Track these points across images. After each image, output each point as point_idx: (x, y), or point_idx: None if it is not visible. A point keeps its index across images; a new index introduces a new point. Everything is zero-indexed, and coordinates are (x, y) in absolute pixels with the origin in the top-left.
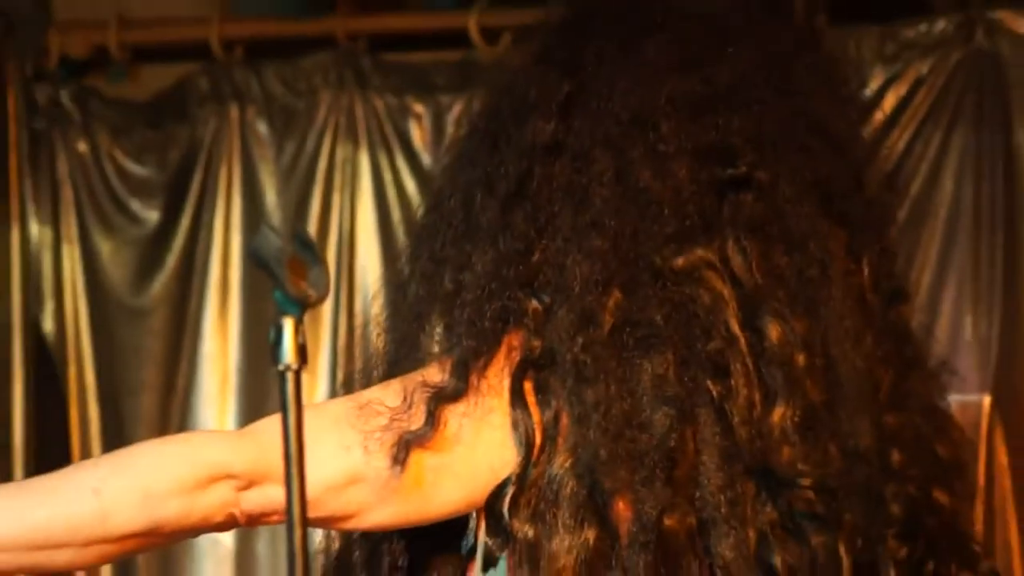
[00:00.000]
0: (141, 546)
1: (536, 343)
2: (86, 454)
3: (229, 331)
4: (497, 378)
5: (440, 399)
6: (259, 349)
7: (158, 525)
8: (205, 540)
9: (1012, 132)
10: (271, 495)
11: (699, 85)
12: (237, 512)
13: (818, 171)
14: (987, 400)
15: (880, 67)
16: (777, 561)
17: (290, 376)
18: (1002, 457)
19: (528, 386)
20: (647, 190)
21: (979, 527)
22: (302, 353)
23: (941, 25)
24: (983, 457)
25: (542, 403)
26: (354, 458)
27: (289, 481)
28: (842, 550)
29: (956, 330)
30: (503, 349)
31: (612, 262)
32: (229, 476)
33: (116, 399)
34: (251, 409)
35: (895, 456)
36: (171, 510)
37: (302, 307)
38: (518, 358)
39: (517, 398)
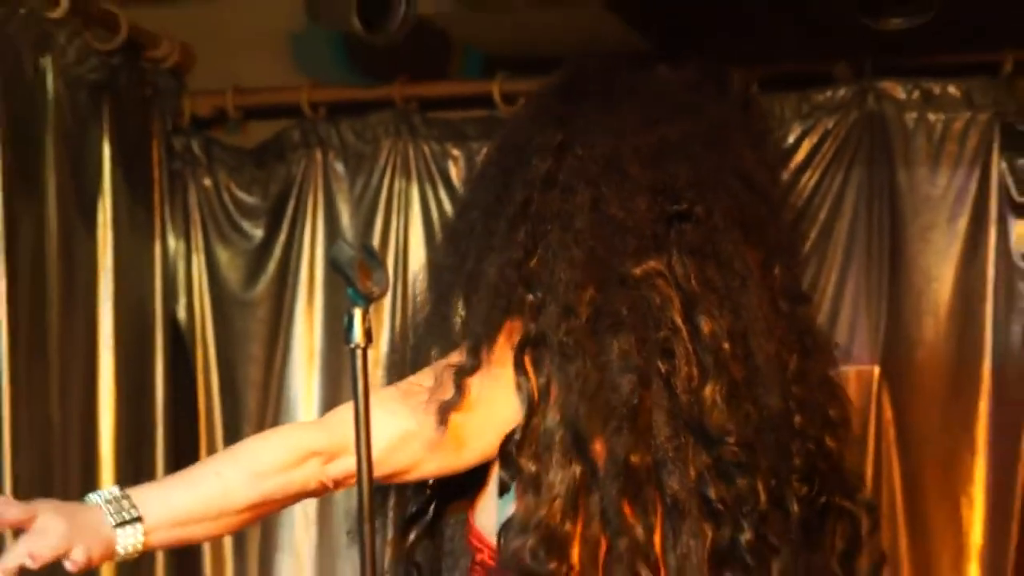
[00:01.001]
0: (257, 514)
1: (532, 327)
2: (209, 410)
3: (314, 319)
4: (503, 353)
5: (462, 374)
6: (336, 332)
7: (266, 497)
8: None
9: (895, 171)
10: (349, 464)
11: (656, 140)
12: (326, 480)
13: (742, 208)
14: (876, 369)
15: (797, 123)
16: (711, 493)
17: (359, 352)
18: (888, 413)
19: (527, 359)
20: (615, 217)
21: (868, 469)
22: (368, 335)
23: (842, 92)
24: (873, 413)
25: (537, 372)
26: (407, 423)
27: (359, 434)
28: (759, 488)
29: (855, 319)
30: (505, 332)
31: (588, 269)
32: (315, 454)
33: (231, 369)
34: (330, 378)
35: (798, 419)
36: (275, 484)
37: (368, 301)
38: (518, 338)
39: (519, 368)
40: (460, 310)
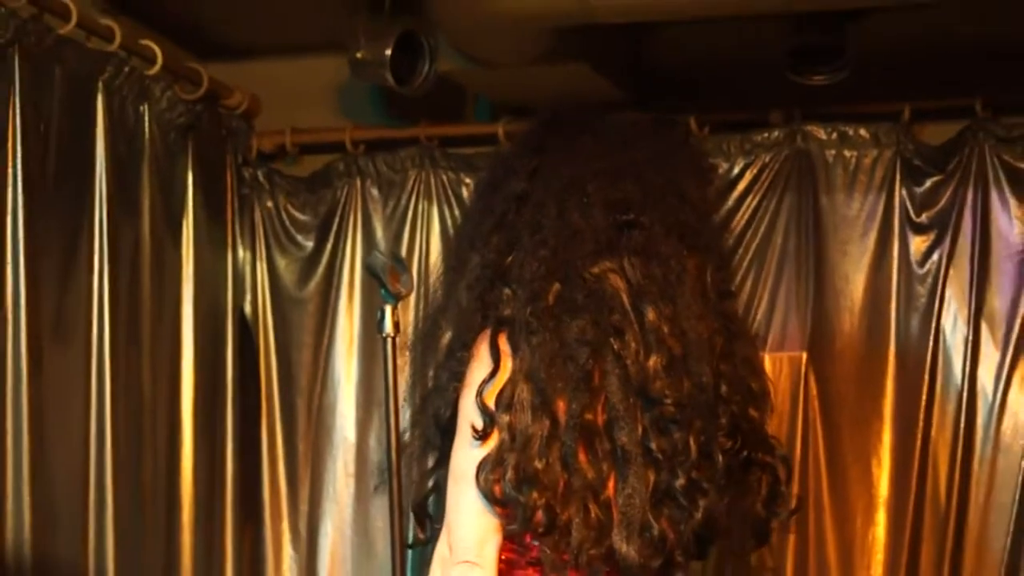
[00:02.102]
0: None
1: (506, 312)
2: (269, 385)
3: (354, 313)
4: (482, 339)
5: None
6: (371, 324)
7: None
8: (338, 436)
9: (818, 197)
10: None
11: (611, 165)
12: None
13: (679, 219)
14: (804, 355)
15: (741, 157)
16: (653, 445)
17: (389, 341)
18: (813, 389)
19: (502, 335)
20: (577, 225)
21: (797, 434)
22: (396, 327)
23: (776, 133)
24: (801, 390)
25: (511, 344)
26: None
27: (387, 404)
28: (691, 441)
29: (787, 314)
30: (490, 319)
31: (553, 266)
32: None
33: (287, 353)
34: (365, 361)
35: (724, 388)
36: None
37: (397, 299)
38: (496, 318)
39: (493, 341)
40: (462, 300)
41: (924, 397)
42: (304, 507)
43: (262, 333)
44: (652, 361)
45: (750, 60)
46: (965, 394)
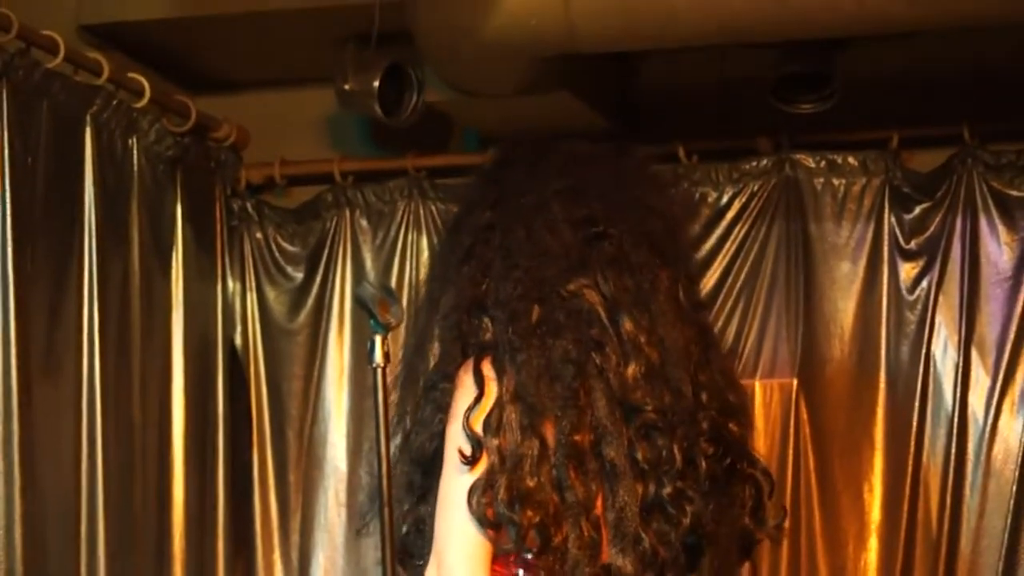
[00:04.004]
0: None
1: (487, 337)
2: (259, 415)
3: (344, 344)
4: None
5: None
6: (361, 355)
7: None
8: (329, 467)
9: (807, 224)
10: None
11: (574, 184)
12: None
13: (647, 229)
14: (795, 381)
15: (730, 186)
16: (639, 455)
17: (379, 371)
18: (804, 415)
19: (485, 360)
20: (546, 244)
21: (788, 461)
22: (387, 357)
23: (764, 162)
24: (792, 416)
25: (495, 368)
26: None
27: (378, 434)
28: (675, 449)
29: (777, 341)
30: (471, 347)
31: (528, 285)
32: None
33: (277, 384)
34: (356, 391)
35: (703, 396)
36: None
37: (387, 330)
38: (477, 345)
39: (476, 368)
40: (439, 334)
41: (915, 423)
42: (296, 537)
43: (252, 364)
44: (631, 370)
45: (737, 89)
46: (956, 420)
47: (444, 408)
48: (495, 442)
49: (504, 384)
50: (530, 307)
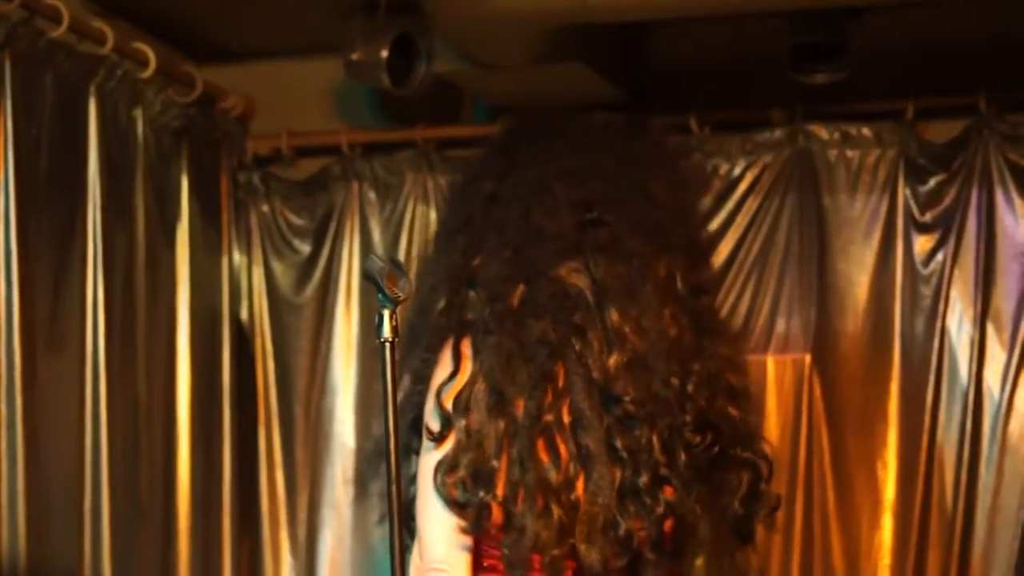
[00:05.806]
0: None
1: (469, 315)
2: (266, 391)
3: (351, 318)
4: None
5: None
6: (369, 329)
7: None
8: (336, 442)
9: (821, 197)
10: None
11: (578, 166)
12: None
13: (645, 218)
14: (808, 357)
15: (742, 158)
16: (618, 444)
17: (387, 345)
18: (817, 392)
19: (465, 339)
20: (541, 226)
21: (801, 438)
22: (395, 331)
23: (777, 133)
24: (806, 393)
25: (473, 348)
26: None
27: (385, 408)
28: (654, 439)
29: (790, 316)
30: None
31: (516, 267)
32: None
33: (284, 359)
34: (363, 366)
35: (690, 385)
36: None
37: (395, 303)
38: (460, 322)
39: (455, 346)
40: (430, 304)
41: (930, 399)
42: (303, 514)
43: (259, 339)
44: (613, 359)
45: (750, 59)
46: (971, 396)
47: (425, 380)
48: (462, 421)
49: (479, 363)
50: (514, 288)
